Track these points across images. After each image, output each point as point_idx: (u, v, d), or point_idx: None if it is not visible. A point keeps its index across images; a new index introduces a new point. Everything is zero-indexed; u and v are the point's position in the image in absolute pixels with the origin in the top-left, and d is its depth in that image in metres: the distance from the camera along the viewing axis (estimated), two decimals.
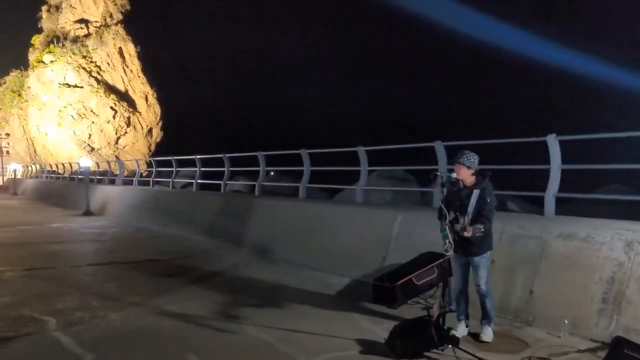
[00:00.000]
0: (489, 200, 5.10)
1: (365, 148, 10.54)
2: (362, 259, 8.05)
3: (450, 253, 4.99)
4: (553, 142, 7.56)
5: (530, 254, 6.15)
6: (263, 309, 6.34)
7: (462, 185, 5.19)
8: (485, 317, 5.29)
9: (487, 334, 5.22)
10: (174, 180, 18.75)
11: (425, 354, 4.68)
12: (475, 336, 5.27)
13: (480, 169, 5.27)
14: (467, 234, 4.91)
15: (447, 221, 4.98)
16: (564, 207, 8.44)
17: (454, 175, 5.17)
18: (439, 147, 9.21)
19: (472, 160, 5.15)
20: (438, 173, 5.19)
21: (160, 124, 39.85)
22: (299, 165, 12.38)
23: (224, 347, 5.01)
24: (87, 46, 38.82)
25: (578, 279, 5.64)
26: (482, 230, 4.87)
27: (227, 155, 15.49)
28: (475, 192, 5.13)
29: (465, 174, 5.15)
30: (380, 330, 5.48)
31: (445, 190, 5.17)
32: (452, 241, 4.92)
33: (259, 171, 14.07)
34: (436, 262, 6.65)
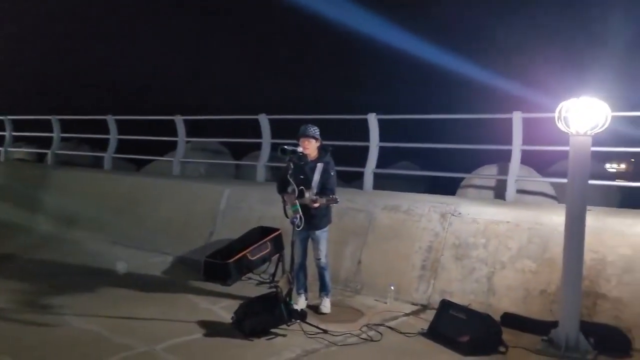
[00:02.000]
0: (332, 173, 5.20)
1: (185, 117, 9.96)
2: (187, 235, 7.63)
3: (300, 228, 4.94)
4: (373, 121, 8.08)
5: (359, 227, 6.50)
6: (81, 295, 5.57)
7: (306, 159, 5.19)
8: (324, 290, 5.43)
9: (326, 306, 5.37)
10: None
11: (273, 330, 4.61)
12: (314, 308, 5.38)
13: (322, 143, 5.32)
14: (316, 205, 4.94)
15: (296, 196, 4.94)
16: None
17: (300, 149, 5.14)
18: (264, 120, 9.15)
19: (317, 132, 5.19)
20: (286, 147, 5.08)
21: None
22: (103, 133, 11.20)
23: (44, 343, 4.25)
24: None
25: (401, 248, 6.14)
26: (338, 200, 4.94)
27: (9, 117, 13.26)
28: (319, 166, 5.18)
29: (313, 147, 5.17)
30: (219, 310, 5.25)
31: (292, 165, 5.09)
32: (302, 215, 4.89)
33: (49, 138, 12.37)
34: (269, 237, 6.67)
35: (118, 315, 4.93)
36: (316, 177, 5.17)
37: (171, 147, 11.65)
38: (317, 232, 5.26)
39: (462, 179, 8.33)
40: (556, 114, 4.51)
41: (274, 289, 4.87)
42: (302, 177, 5.15)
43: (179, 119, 9.96)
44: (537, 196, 7.49)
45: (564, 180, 7.40)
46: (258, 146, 11.47)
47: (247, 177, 11.11)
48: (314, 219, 5.16)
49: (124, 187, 8.98)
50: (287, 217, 5.21)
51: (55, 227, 8.83)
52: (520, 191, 7.36)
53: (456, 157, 8.82)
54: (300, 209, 4.89)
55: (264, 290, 5.97)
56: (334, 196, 4.98)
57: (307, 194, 5.02)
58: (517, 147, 7.03)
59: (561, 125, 4.54)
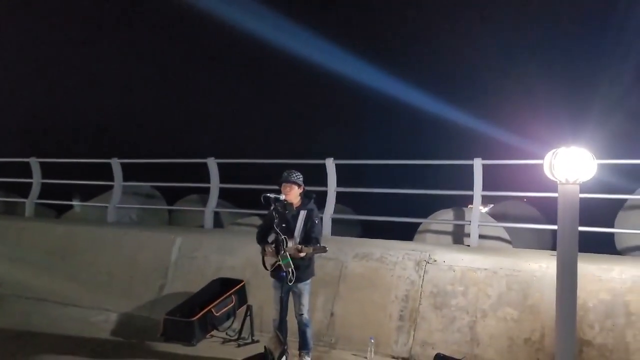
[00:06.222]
0: (317, 221, 4.91)
1: (122, 161, 9.24)
2: (133, 289, 6.91)
3: (292, 282, 4.57)
4: (331, 165, 7.92)
5: (329, 276, 6.19)
6: None
7: (290, 207, 4.87)
8: (305, 348, 5.04)
9: None
10: None
11: None
12: None
13: (304, 189, 5.04)
14: (302, 254, 4.60)
15: (284, 247, 4.57)
16: None
17: (283, 196, 4.82)
18: (212, 164, 8.69)
19: (300, 178, 4.91)
20: (268, 195, 4.73)
21: None
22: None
23: None
24: None
25: (376, 298, 5.90)
26: (326, 249, 4.63)
27: None
28: (302, 213, 4.88)
29: (295, 194, 4.87)
30: None
31: (276, 213, 4.74)
32: (293, 269, 4.53)
33: None
34: (233, 289, 6.19)
35: None
36: (299, 225, 4.86)
37: (95, 190, 10.79)
38: (300, 285, 4.90)
39: (394, 222, 8.08)
40: (545, 163, 4.57)
41: (261, 351, 4.42)
42: (284, 225, 4.81)
43: (115, 162, 9.22)
44: (495, 241, 7.60)
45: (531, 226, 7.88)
46: (195, 190, 10.98)
47: (184, 223, 10.49)
48: (297, 271, 4.79)
49: (54, 237, 8.04)
50: (267, 269, 4.87)
51: None
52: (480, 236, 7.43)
53: (389, 201, 8.77)
54: (291, 262, 4.53)
55: (232, 349, 5.48)
56: (321, 245, 4.68)
57: (290, 244, 4.68)
58: (478, 193, 7.12)
59: (549, 174, 4.59)
